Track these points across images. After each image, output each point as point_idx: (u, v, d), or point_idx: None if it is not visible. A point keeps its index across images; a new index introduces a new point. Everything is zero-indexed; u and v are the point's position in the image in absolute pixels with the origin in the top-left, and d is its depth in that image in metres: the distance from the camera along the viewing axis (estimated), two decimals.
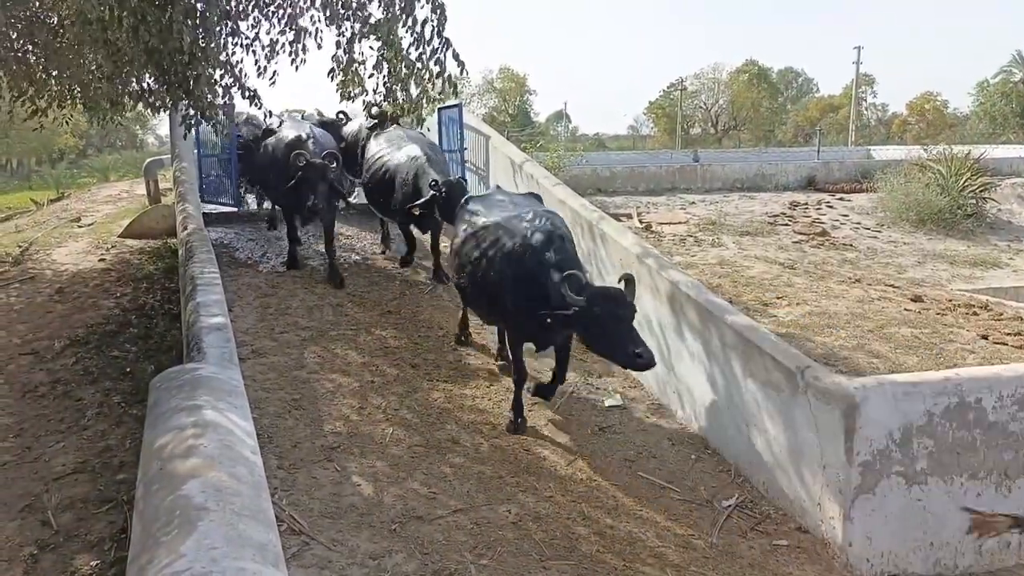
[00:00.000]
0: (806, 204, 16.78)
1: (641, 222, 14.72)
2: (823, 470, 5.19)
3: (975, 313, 9.28)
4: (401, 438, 6.19)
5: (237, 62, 7.34)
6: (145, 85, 7.76)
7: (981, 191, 16.00)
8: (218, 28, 6.67)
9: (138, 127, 52.79)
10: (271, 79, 7.47)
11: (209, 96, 6.99)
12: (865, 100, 63.55)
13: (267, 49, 7.31)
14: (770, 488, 5.79)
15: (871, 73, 64.85)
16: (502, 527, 5.14)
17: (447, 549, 4.81)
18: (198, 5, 6.28)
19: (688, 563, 5.01)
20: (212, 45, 6.73)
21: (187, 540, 1.96)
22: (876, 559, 5.08)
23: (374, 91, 7.31)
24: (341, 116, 12.54)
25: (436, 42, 6.64)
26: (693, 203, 16.55)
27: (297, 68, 7.40)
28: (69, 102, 9.55)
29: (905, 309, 9.26)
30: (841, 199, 17.36)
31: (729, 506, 5.69)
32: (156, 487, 2.29)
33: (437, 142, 12.73)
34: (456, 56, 6.73)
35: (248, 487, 2.30)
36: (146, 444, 2.73)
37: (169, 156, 13.81)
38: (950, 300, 9.93)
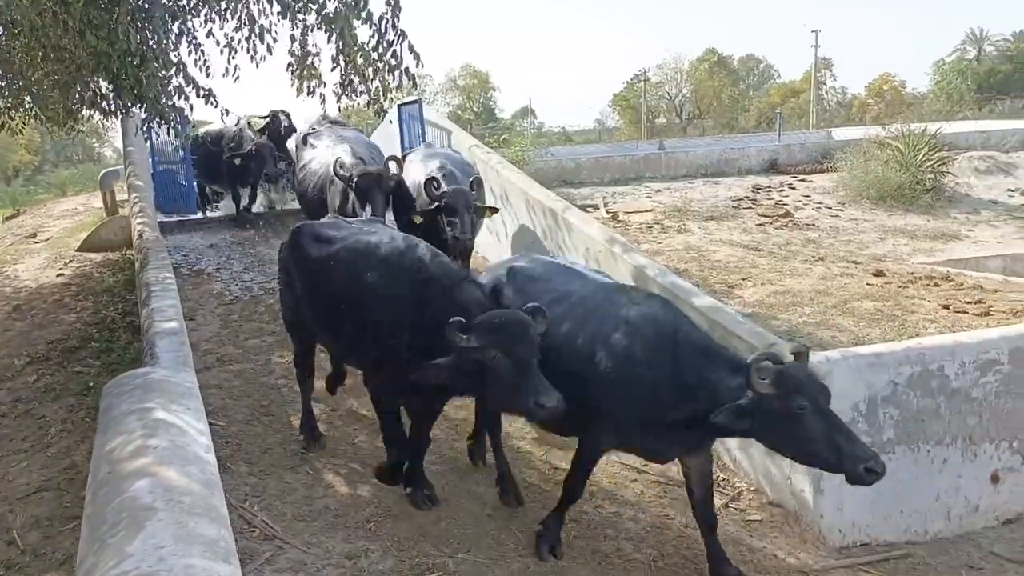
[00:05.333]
0: (769, 187, 16.92)
1: (608, 212, 14.75)
2: None
3: (936, 284, 9.41)
4: (374, 438, 6.14)
5: (196, 61, 7.25)
6: (97, 90, 7.61)
7: (939, 165, 16.19)
8: (166, 28, 6.56)
9: (95, 140, 52.02)
10: (235, 76, 7.39)
11: (163, 98, 6.88)
12: (825, 84, 64.12)
13: (224, 47, 7.22)
14: (741, 465, 5.83)
15: (829, 56, 65.67)
16: (479, 519, 5.12)
17: (424, 544, 4.78)
18: (145, 5, 6.16)
19: (664, 543, 5.03)
20: (163, 45, 6.63)
21: (134, 540, 1.92)
22: (848, 529, 5.14)
23: (335, 85, 7.24)
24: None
25: (392, 34, 6.61)
26: (659, 191, 16.62)
27: (257, 65, 7.32)
28: (22, 113, 9.36)
29: (867, 284, 9.37)
30: (803, 180, 17.51)
31: None
32: (104, 490, 2.24)
33: (399, 139, 12.69)
34: (412, 48, 6.70)
35: (199, 485, 2.26)
36: (96, 449, 2.68)
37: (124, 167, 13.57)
38: (911, 273, 10.06)
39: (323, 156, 9.23)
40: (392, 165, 8.37)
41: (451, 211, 7.65)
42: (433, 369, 4.28)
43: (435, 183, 7.80)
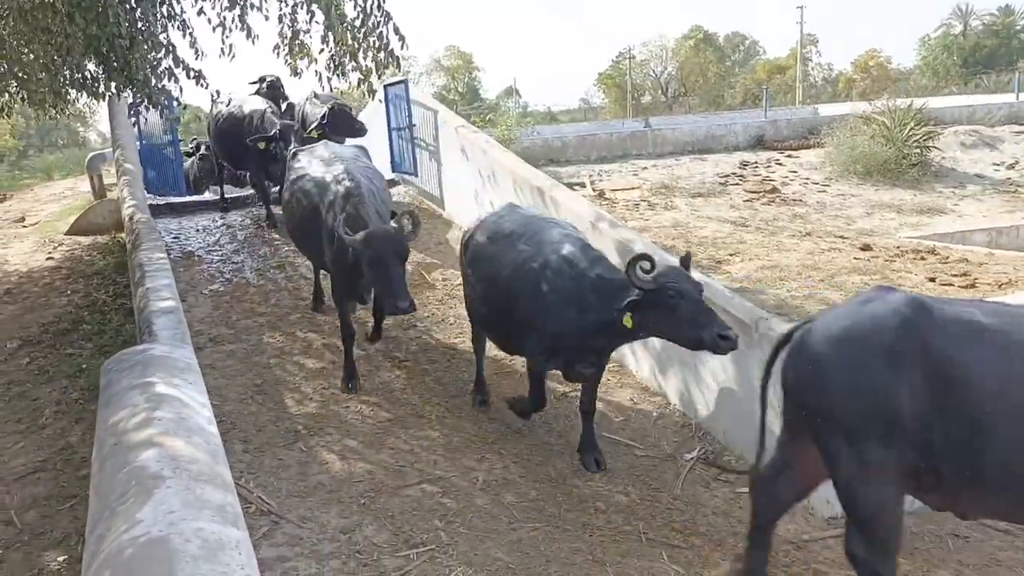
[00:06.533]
0: (756, 163, 16.98)
1: (594, 190, 14.79)
2: (780, 417, 5.30)
3: (922, 258, 9.52)
4: (366, 415, 6.21)
5: (190, 43, 7.24)
6: (87, 73, 7.60)
7: (925, 140, 16.31)
8: (156, 9, 6.56)
9: (79, 124, 51.59)
10: (231, 55, 7.36)
11: (153, 80, 6.88)
12: (810, 60, 64.11)
13: (217, 26, 7.22)
14: (730, 438, 5.91)
15: (814, 33, 65.67)
16: (471, 493, 5.20)
17: (417, 518, 4.85)
18: None
19: (654, 515, 5.12)
20: (152, 27, 6.62)
21: (144, 507, 1.97)
22: (835, 500, 5.21)
23: (325, 66, 7.24)
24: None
25: (377, 15, 6.63)
26: (645, 168, 16.66)
27: (254, 42, 7.31)
28: (7, 97, 9.32)
29: (855, 258, 9.46)
30: (790, 156, 17.60)
31: (691, 459, 5.81)
32: (111, 462, 2.30)
33: (385, 120, 12.68)
34: (397, 30, 6.73)
35: (205, 454, 2.32)
36: (100, 423, 2.73)
37: (111, 150, 13.47)
38: (898, 247, 10.17)
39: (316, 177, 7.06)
40: (405, 221, 6.33)
41: (683, 301, 4.88)
42: None
43: (648, 261, 4.97)
